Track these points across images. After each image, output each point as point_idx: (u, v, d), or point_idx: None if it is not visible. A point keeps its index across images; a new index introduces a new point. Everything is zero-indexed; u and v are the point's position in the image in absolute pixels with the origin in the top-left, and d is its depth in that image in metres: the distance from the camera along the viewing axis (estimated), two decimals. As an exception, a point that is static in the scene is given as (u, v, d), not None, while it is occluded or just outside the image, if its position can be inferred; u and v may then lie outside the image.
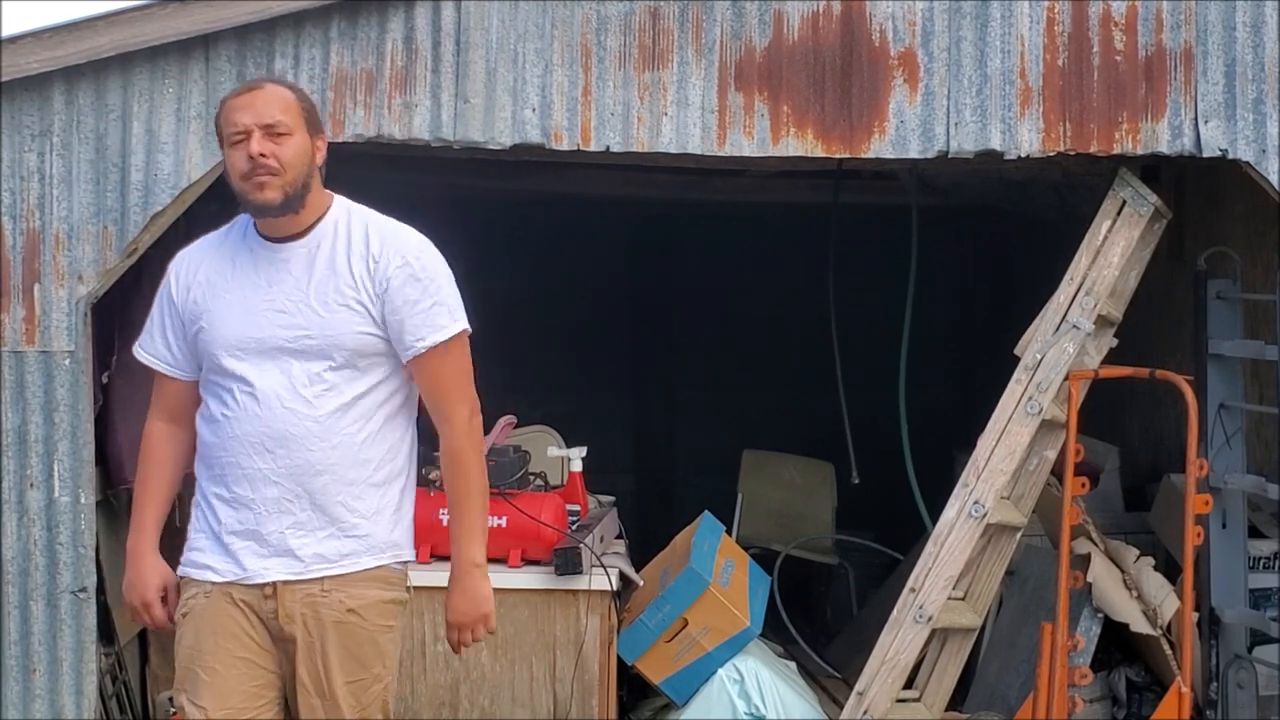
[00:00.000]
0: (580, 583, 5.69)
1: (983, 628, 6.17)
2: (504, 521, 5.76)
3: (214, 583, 3.78)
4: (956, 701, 6.20)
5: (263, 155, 3.67)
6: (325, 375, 3.74)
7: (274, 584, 3.76)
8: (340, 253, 3.76)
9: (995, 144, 5.56)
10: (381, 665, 3.84)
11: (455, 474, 3.86)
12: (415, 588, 5.60)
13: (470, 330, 3.89)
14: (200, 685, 3.76)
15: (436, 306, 3.79)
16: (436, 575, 5.67)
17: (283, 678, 3.82)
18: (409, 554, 3.93)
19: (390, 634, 3.87)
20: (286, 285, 3.75)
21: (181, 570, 3.88)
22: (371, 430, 3.80)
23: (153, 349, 3.93)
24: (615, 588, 5.79)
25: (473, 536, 3.85)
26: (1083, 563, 5.99)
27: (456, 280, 3.88)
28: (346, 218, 3.82)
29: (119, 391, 5.71)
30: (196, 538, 3.85)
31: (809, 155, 5.55)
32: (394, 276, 3.74)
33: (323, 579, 3.77)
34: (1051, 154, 5.61)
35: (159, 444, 3.93)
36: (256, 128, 3.69)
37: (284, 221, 3.76)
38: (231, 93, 3.89)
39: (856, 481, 7.40)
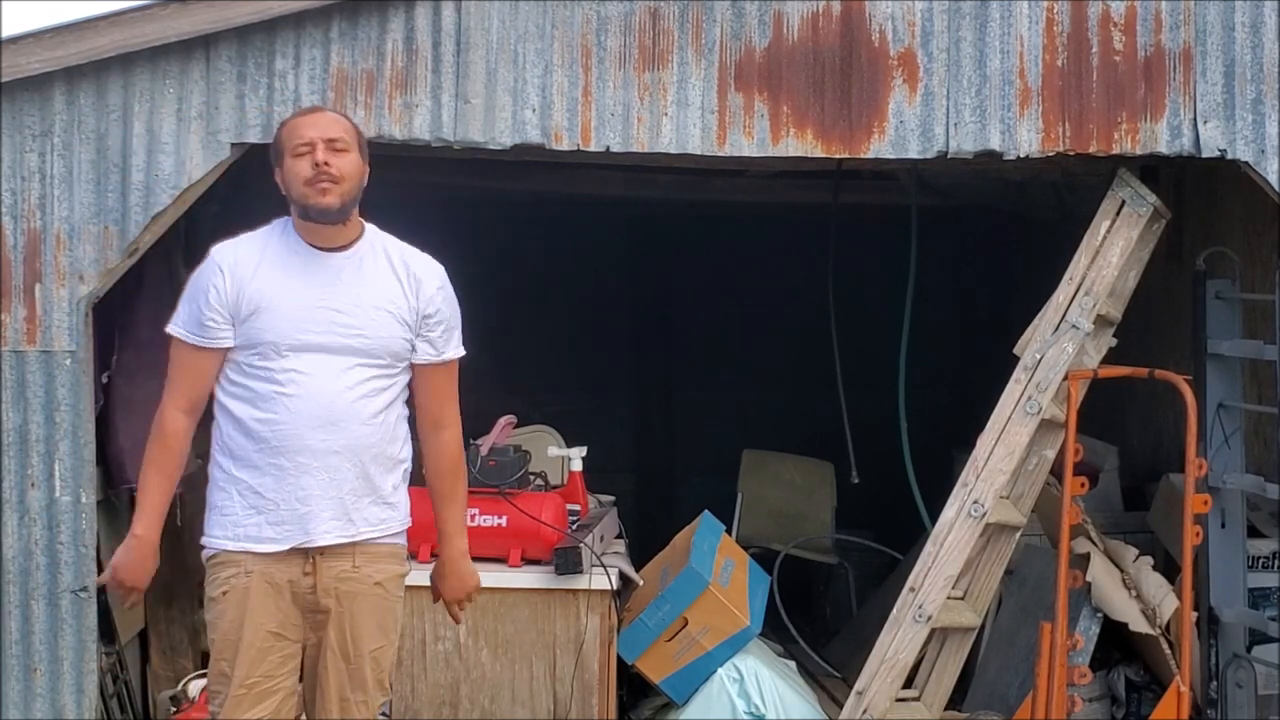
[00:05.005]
0: (580, 582, 5.70)
1: (982, 627, 6.17)
2: (504, 521, 5.77)
3: (257, 554, 4.13)
4: (956, 701, 6.20)
5: (326, 164, 4.09)
6: (369, 367, 4.16)
7: (314, 559, 4.15)
8: (384, 268, 4.20)
9: (994, 144, 5.57)
10: (395, 633, 4.33)
11: (456, 474, 4.38)
12: (415, 587, 5.70)
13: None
14: (238, 654, 4.14)
15: (454, 330, 4.32)
16: (437, 574, 5.72)
17: (304, 646, 4.21)
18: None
19: (401, 604, 4.34)
20: (339, 289, 4.14)
21: (221, 544, 4.18)
22: (398, 416, 4.27)
23: (193, 326, 4.15)
24: (615, 587, 5.80)
25: (461, 529, 4.41)
26: (1082, 562, 6.00)
27: (455, 279, 4.29)
28: (380, 239, 4.27)
29: (120, 391, 5.72)
30: (244, 514, 4.15)
31: (809, 155, 5.56)
32: (434, 298, 4.24)
33: (354, 554, 4.18)
34: (1050, 154, 5.62)
35: (180, 436, 4.20)
36: (320, 141, 4.12)
37: (332, 231, 4.16)
38: (293, 113, 4.51)
39: (856, 481, 7.40)
